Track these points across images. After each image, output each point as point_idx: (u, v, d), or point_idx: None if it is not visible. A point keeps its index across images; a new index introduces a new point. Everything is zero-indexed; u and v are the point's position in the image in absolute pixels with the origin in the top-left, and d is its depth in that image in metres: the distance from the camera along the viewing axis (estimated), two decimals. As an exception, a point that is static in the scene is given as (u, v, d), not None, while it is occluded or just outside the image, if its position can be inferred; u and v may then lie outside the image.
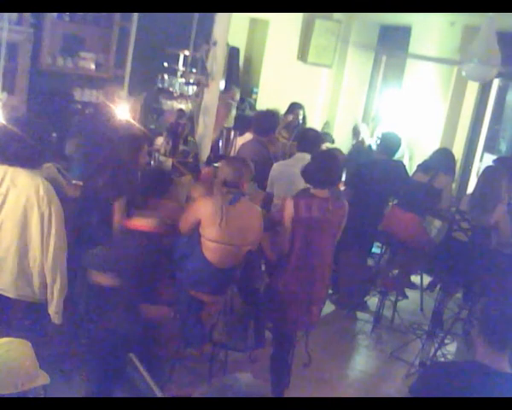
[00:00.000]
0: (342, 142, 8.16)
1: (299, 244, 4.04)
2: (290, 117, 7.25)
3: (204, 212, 4.09)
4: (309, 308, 4.19)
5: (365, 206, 5.70)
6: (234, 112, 6.90)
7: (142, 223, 3.29)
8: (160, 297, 3.30)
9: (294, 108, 7.52)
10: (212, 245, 4.09)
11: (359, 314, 6.11)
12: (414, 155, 7.51)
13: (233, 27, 6.27)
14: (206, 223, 4.08)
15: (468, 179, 7.48)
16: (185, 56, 6.65)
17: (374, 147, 7.21)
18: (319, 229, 4.08)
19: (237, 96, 7.64)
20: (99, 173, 4.20)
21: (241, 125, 6.38)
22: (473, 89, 7.22)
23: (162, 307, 3.34)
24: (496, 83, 7.30)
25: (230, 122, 6.57)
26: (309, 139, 5.25)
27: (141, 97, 6.56)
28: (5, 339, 2.55)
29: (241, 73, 9.04)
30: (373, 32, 8.77)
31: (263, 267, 4.78)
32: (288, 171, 5.00)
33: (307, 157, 4.79)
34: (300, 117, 7.56)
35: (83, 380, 3.61)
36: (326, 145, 7.30)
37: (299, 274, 4.08)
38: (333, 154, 4.76)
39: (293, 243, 4.04)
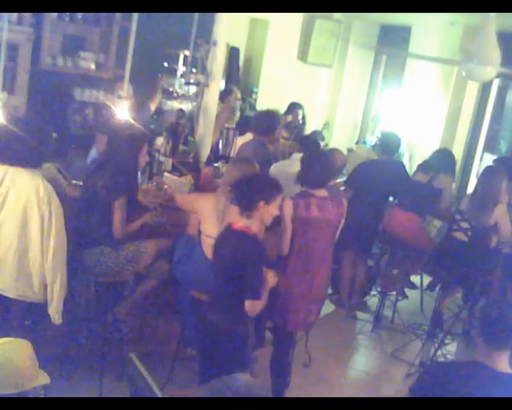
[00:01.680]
0: (342, 142, 8.16)
1: (298, 244, 4.04)
2: (290, 117, 7.24)
3: (202, 206, 4.12)
4: (309, 308, 4.20)
5: (365, 206, 5.70)
6: (238, 114, 6.89)
7: (244, 224, 3.44)
8: (259, 296, 3.46)
9: (294, 108, 7.51)
10: (210, 241, 4.08)
11: (359, 314, 6.11)
12: (414, 155, 7.50)
13: (233, 27, 6.28)
14: (205, 218, 4.10)
15: (468, 179, 7.47)
16: (185, 56, 6.64)
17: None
18: (318, 228, 4.08)
19: (239, 96, 7.64)
20: (99, 173, 4.19)
21: (241, 125, 6.38)
22: (473, 89, 7.21)
23: (261, 303, 3.50)
24: (496, 83, 7.29)
25: (232, 124, 6.56)
26: (309, 139, 5.28)
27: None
28: (5, 339, 2.55)
29: (241, 73, 9.03)
30: (373, 32, 8.77)
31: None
32: (286, 171, 4.99)
33: None
34: (300, 117, 7.55)
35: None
36: None
37: (299, 274, 4.08)
38: (321, 153, 4.78)
39: (292, 243, 4.04)
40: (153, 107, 6.56)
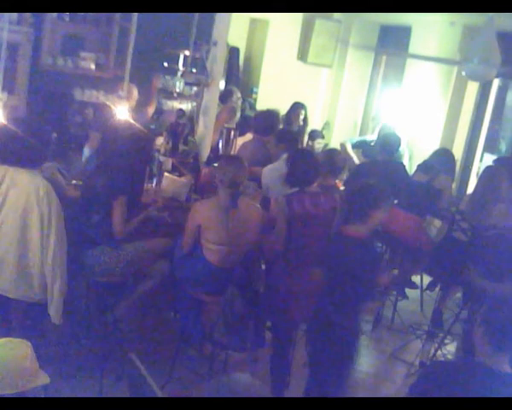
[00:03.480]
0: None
1: (295, 240, 4.04)
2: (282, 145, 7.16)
3: (204, 216, 4.09)
4: (309, 303, 4.19)
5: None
6: (238, 114, 6.88)
7: (360, 230, 3.63)
8: (376, 298, 3.76)
9: (296, 107, 7.51)
10: (213, 247, 4.09)
11: (359, 314, 6.11)
12: (414, 155, 7.50)
13: (233, 27, 6.27)
14: (208, 226, 4.07)
15: (468, 179, 7.47)
16: (185, 56, 6.64)
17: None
18: (314, 223, 4.08)
19: (239, 96, 7.64)
20: (98, 173, 4.19)
21: (241, 125, 6.38)
22: (473, 89, 7.21)
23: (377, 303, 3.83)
24: (496, 83, 7.29)
25: (232, 124, 6.56)
26: (286, 137, 5.25)
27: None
28: (5, 339, 2.55)
29: (241, 73, 9.04)
30: (373, 32, 8.77)
31: (263, 267, 4.78)
32: (279, 175, 4.97)
33: None
34: (302, 117, 7.55)
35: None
36: (318, 142, 7.31)
37: (298, 270, 4.07)
38: (304, 151, 4.77)
39: (290, 240, 4.03)
40: (150, 111, 6.55)
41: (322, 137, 7.64)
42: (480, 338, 2.73)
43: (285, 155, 5.14)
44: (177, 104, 6.85)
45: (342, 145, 7.56)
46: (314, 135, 7.51)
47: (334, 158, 5.06)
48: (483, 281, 4.13)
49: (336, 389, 3.78)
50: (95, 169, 4.32)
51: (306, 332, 3.96)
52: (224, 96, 7.03)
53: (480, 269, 4.87)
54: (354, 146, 7.51)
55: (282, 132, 5.56)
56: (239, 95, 7.39)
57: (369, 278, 3.62)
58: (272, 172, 5.05)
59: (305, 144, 7.32)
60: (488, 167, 5.67)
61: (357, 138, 7.99)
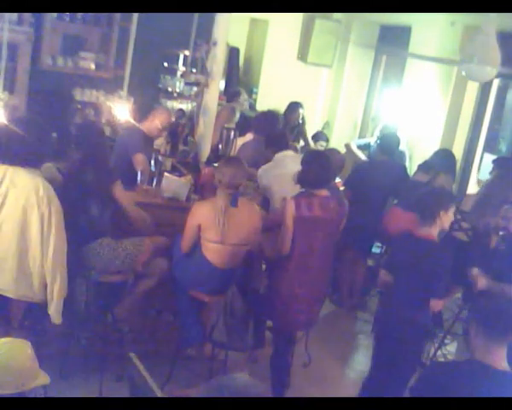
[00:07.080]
0: (342, 142, 8.15)
1: (300, 244, 4.03)
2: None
3: (203, 215, 4.09)
4: (309, 307, 4.19)
5: (365, 206, 5.70)
6: (238, 115, 6.89)
7: (427, 232, 3.90)
8: (444, 295, 3.93)
9: (294, 107, 7.51)
10: (213, 246, 4.10)
11: (359, 314, 6.11)
12: (414, 155, 7.50)
13: (233, 27, 6.27)
14: (207, 226, 4.08)
15: (468, 179, 7.47)
16: (185, 56, 6.65)
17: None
18: (321, 227, 4.07)
19: (246, 97, 7.63)
20: (86, 167, 4.19)
21: (241, 125, 6.38)
22: (473, 89, 7.21)
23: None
24: (496, 83, 7.29)
25: (232, 124, 6.57)
26: (278, 137, 5.22)
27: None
28: (5, 339, 2.55)
29: (241, 73, 9.04)
30: (373, 31, 8.76)
31: (263, 267, 4.78)
32: (275, 176, 4.94)
33: (288, 154, 4.79)
34: (300, 116, 7.55)
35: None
36: (321, 144, 7.31)
37: (300, 274, 4.07)
38: (321, 153, 4.76)
39: (294, 243, 4.03)
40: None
41: (327, 140, 7.63)
42: (477, 336, 2.74)
43: (277, 154, 5.13)
44: (177, 104, 6.86)
45: (347, 145, 7.55)
46: (317, 137, 7.50)
47: (332, 158, 5.05)
48: (484, 278, 4.18)
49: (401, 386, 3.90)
50: (78, 166, 4.30)
51: (375, 331, 4.13)
52: (232, 96, 7.03)
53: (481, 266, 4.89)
54: (358, 148, 7.51)
55: (271, 137, 5.48)
56: (246, 96, 7.39)
57: (441, 274, 3.80)
58: (268, 171, 5.04)
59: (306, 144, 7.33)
60: (505, 167, 5.64)
61: (361, 141, 8.00)
